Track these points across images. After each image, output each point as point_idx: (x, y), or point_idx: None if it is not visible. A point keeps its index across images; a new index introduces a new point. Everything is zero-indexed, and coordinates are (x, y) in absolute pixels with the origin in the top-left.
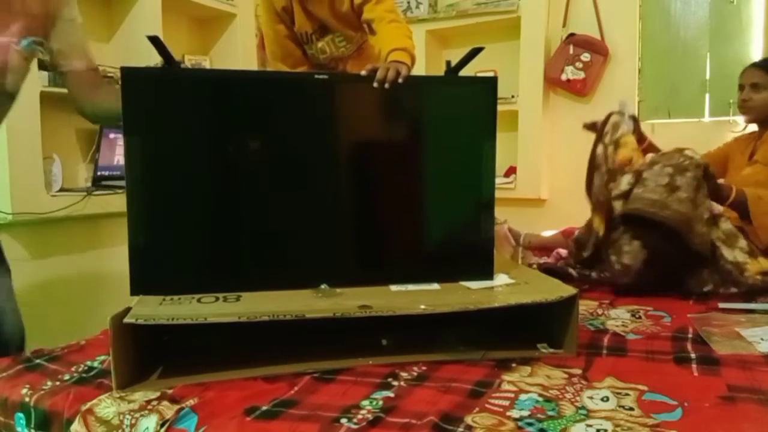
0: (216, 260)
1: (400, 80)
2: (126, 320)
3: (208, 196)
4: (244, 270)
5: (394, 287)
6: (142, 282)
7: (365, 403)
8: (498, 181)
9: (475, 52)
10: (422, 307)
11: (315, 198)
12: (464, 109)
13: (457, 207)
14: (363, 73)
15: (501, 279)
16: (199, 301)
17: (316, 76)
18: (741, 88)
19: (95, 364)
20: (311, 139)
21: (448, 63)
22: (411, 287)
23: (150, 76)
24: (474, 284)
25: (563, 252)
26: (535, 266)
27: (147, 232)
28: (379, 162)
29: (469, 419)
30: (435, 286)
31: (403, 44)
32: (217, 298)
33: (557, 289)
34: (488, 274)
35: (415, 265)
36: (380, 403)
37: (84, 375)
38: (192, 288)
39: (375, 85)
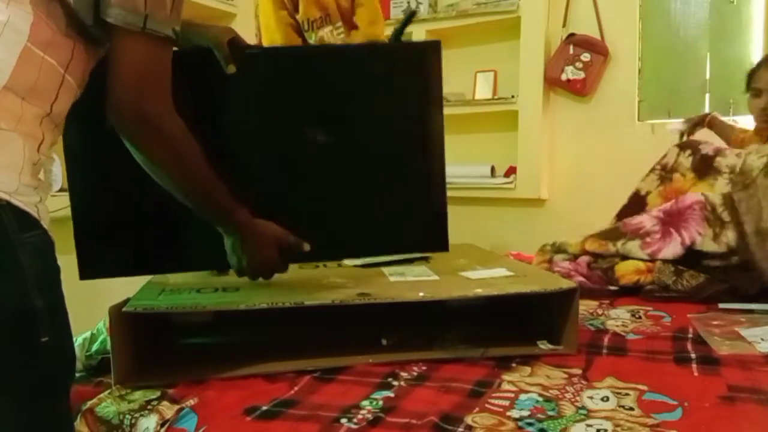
0: (149, 239)
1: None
2: (125, 309)
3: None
4: (177, 249)
5: (392, 277)
6: (91, 264)
7: (365, 403)
8: (498, 181)
9: (411, 15)
10: (421, 294)
11: (258, 175)
12: (409, 77)
13: (406, 177)
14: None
15: (499, 272)
16: (198, 291)
17: (248, 51)
18: (757, 92)
19: (95, 363)
20: (251, 115)
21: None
22: (409, 277)
23: None
24: (473, 275)
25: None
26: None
27: (91, 209)
28: (323, 134)
29: (469, 419)
30: (433, 276)
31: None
32: (216, 289)
33: (556, 282)
34: (442, 246)
35: (367, 238)
36: (380, 403)
37: (84, 374)
38: (139, 268)
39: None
